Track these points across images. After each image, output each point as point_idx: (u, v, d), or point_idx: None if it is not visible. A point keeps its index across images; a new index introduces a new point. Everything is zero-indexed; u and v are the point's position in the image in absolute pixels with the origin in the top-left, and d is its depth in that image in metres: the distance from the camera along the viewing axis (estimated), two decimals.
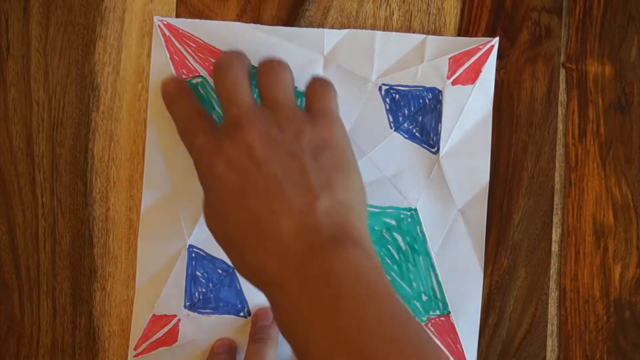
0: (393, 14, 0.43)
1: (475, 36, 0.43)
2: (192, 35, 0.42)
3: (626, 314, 0.43)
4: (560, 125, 0.43)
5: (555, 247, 0.43)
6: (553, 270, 0.43)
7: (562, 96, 0.43)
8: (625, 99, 0.43)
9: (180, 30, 0.42)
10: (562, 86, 0.43)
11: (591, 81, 0.43)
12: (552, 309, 0.43)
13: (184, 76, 0.42)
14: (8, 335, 0.43)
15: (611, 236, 0.43)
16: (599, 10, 0.43)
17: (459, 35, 0.43)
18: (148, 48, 0.42)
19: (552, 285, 0.43)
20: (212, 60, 0.42)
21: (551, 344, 0.43)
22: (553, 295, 0.43)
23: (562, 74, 0.43)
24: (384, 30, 0.43)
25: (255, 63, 0.40)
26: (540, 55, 0.43)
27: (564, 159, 0.43)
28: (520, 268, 0.43)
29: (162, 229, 0.42)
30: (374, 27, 0.43)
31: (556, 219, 0.43)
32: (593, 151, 0.43)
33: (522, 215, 0.43)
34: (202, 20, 0.42)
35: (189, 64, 0.42)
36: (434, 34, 0.43)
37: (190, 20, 0.42)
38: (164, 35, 0.42)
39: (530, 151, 0.43)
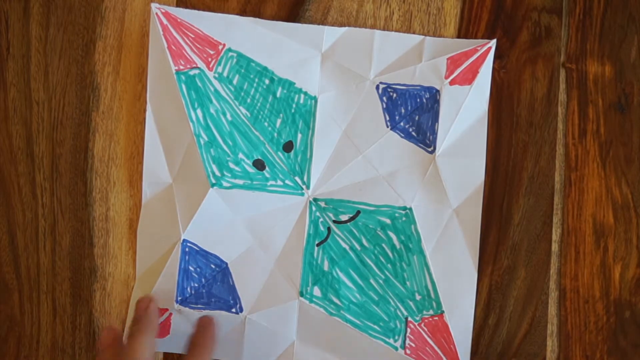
0: (393, 14, 0.43)
1: (475, 36, 0.43)
2: (191, 25, 0.42)
3: (626, 314, 0.43)
4: (560, 125, 0.43)
5: (555, 247, 0.43)
6: (553, 270, 0.43)
7: (562, 96, 0.43)
8: (625, 99, 0.43)
9: (179, 20, 0.41)
10: (562, 86, 0.43)
11: (591, 81, 0.43)
12: (552, 309, 0.43)
13: (181, 67, 0.42)
14: (8, 335, 0.43)
15: (611, 236, 0.43)
16: (599, 10, 0.43)
17: (458, 35, 0.43)
18: (148, 48, 0.42)
19: (552, 285, 0.43)
20: (211, 52, 0.42)
21: (551, 344, 0.43)
22: (553, 295, 0.43)
23: (562, 74, 0.43)
24: (384, 30, 0.43)
25: (255, 54, 0.41)
26: (540, 55, 0.43)
27: (564, 159, 0.43)
28: (520, 268, 0.43)
29: (159, 221, 0.42)
30: (374, 27, 0.43)
31: (556, 219, 0.43)
32: (593, 151, 0.43)
33: (522, 215, 0.43)
34: (201, 12, 0.42)
35: (187, 54, 0.41)
36: (434, 33, 0.43)
37: (189, 10, 0.42)
38: (161, 23, 0.41)
39: (530, 151, 0.43)
